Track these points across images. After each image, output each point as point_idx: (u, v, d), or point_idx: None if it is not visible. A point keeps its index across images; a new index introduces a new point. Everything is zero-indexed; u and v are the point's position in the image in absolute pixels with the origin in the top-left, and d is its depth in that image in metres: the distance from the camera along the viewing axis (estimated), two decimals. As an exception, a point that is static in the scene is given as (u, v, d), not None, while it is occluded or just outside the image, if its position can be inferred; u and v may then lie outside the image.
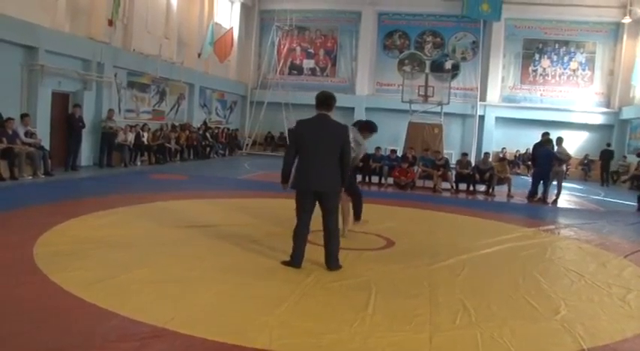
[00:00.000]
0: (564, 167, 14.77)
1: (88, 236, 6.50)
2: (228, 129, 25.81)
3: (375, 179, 16.14)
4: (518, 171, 24.03)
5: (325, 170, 5.56)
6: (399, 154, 18.01)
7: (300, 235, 5.70)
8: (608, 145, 23.64)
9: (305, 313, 4.36)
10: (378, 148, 16.49)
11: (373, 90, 28.06)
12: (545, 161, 14.03)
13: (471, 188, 15.44)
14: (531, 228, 9.44)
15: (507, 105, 26.86)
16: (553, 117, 25.67)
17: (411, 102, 22.45)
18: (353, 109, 27.32)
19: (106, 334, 3.72)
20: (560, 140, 14.62)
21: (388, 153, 16.97)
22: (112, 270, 5.17)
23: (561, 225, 10.27)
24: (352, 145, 6.70)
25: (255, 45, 28.56)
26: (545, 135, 14.72)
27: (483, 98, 26.94)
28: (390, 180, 15.68)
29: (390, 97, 26.46)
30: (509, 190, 15.03)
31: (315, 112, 5.73)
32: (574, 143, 25.48)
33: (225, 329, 3.91)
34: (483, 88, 26.98)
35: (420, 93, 22.69)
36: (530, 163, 16.55)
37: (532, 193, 14.41)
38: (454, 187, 15.40)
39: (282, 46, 28.11)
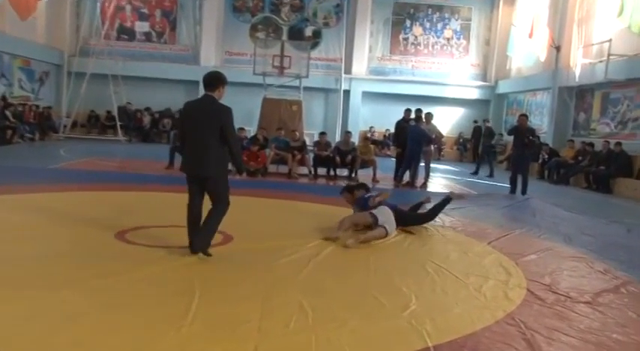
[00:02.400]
0: (432, 147, 15.60)
1: None
2: (38, 106, 24.40)
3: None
4: (388, 152, 24.98)
5: (205, 154, 6.16)
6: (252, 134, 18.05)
7: (188, 222, 6.39)
8: (476, 121, 25.02)
9: (111, 327, 4.23)
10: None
11: (221, 60, 27.89)
12: (415, 141, 14.73)
13: (332, 173, 15.86)
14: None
15: (375, 78, 27.88)
16: (426, 91, 27.07)
17: (265, 75, 22.55)
18: (197, 82, 26.93)
19: None
20: (429, 116, 15.41)
21: (237, 132, 16.95)
22: None
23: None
24: None
25: (71, 1, 27.18)
26: (411, 112, 15.50)
27: (348, 70, 27.74)
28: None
29: (241, 68, 26.38)
30: (374, 174, 15.61)
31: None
32: (449, 120, 27.11)
33: (-1, 354, 3.70)
34: (348, 59, 27.79)
35: (276, 64, 22.86)
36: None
37: (400, 177, 15.14)
38: (312, 172, 15.73)
39: (107, 5, 27.01)
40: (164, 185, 12.20)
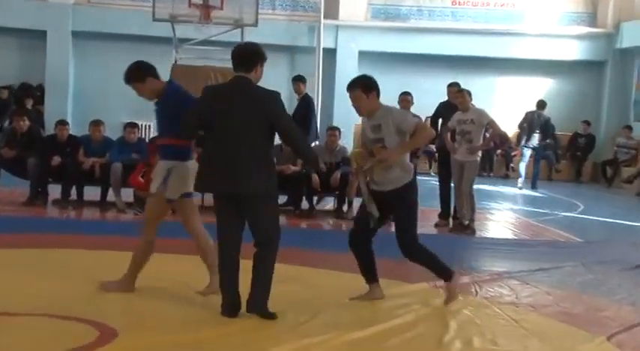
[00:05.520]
0: (478, 155, 15.18)
1: None
2: None
3: (91, 192, 16.34)
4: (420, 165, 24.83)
5: (245, 161, 7.62)
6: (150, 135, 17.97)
7: (224, 264, 7.93)
8: (541, 106, 24.36)
9: None
10: (95, 124, 16.38)
11: (86, -8, 27.97)
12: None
13: (305, 204, 16.11)
14: (423, 283, 9.95)
15: (382, 26, 28.24)
16: (479, 49, 27.43)
17: (175, 21, 22.52)
18: (44, 33, 26.97)
19: None
20: (463, 95, 15.02)
21: (124, 133, 16.87)
22: None
23: (485, 274, 10.95)
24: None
25: None
26: (458, 88, 15.44)
27: (333, 13, 28.01)
28: (129, 192, 15.61)
29: (128, 9, 26.47)
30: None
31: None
32: (523, 102, 26.95)
33: None
34: (333, -8, 27.92)
35: (195, 1, 22.79)
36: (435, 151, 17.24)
37: (445, 210, 15.52)
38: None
39: None
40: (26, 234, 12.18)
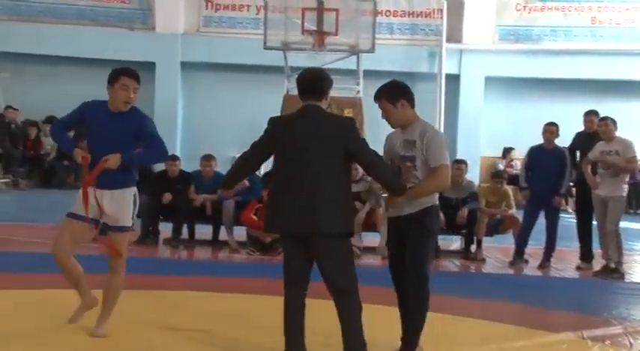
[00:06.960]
0: (624, 187, 14.82)
1: None
2: None
3: (203, 231, 16.41)
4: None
5: (317, 199, 7.35)
6: (262, 170, 17.99)
7: (290, 313, 7.54)
8: None
9: None
10: (206, 159, 16.73)
11: (198, 22, 28.50)
12: (546, 179, 15.02)
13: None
14: (567, 333, 9.66)
15: (512, 49, 27.97)
16: (622, 72, 26.91)
17: (287, 49, 22.52)
18: (152, 65, 27.19)
19: None
20: (607, 124, 14.72)
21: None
22: None
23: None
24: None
25: None
26: (597, 117, 15.11)
27: (456, 36, 27.90)
28: (242, 231, 15.57)
29: (237, 37, 26.64)
30: (518, 246, 15.47)
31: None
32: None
33: None
34: (456, 12, 27.89)
35: (309, 27, 22.77)
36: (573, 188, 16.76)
37: (586, 251, 15.18)
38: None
39: None
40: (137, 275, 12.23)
